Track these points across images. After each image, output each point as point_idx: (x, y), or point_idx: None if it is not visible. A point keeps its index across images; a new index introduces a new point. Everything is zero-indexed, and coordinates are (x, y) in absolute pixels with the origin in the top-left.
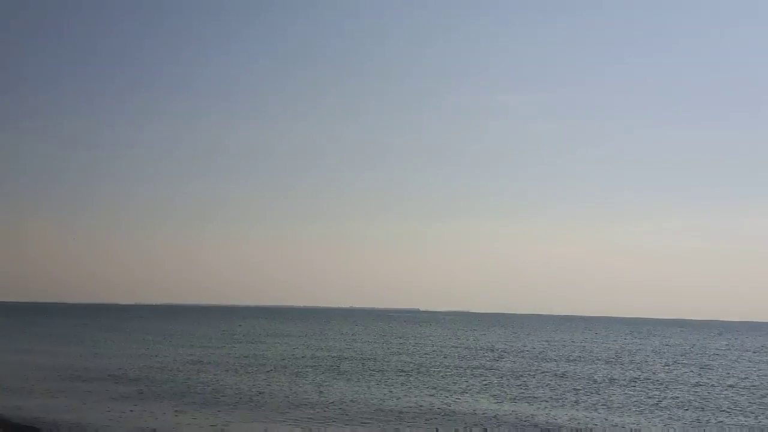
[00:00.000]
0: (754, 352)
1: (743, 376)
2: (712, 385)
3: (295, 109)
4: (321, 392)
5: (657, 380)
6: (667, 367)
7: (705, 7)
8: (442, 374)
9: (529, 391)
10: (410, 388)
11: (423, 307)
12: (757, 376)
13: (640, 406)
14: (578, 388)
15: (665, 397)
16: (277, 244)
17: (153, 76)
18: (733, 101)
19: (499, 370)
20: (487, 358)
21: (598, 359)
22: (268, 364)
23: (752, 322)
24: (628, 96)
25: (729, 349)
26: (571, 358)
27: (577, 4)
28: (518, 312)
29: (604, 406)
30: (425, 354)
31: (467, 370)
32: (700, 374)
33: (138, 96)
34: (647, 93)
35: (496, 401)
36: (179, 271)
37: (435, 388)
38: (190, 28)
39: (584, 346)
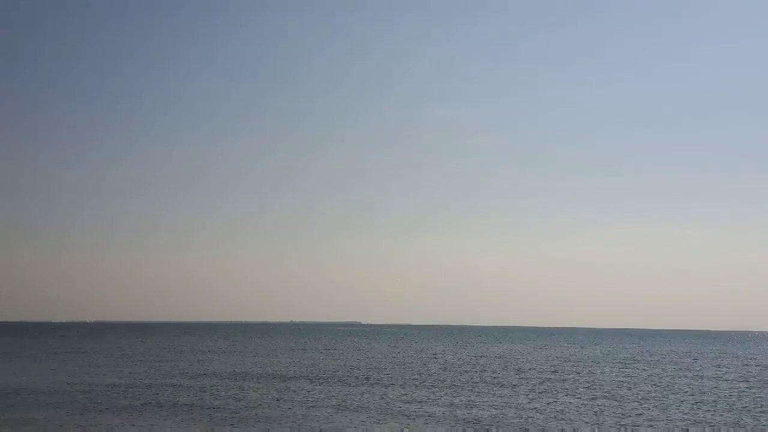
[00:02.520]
0: (694, 359)
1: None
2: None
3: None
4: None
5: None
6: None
7: (629, 19)
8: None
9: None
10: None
11: (365, 320)
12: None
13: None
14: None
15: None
16: (216, 258)
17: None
18: (668, 115)
19: (447, 380)
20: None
21: (541, 368)
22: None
23: (689, 330)
24: (564, 109)
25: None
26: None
27: (510, 19)
28: (458, 324)
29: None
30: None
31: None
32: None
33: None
34: (582, 107)
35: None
36: (118, 287)
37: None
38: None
39: (512, 356)
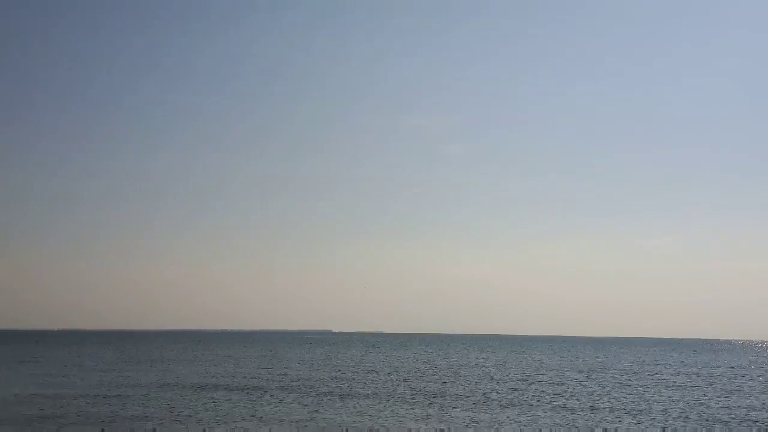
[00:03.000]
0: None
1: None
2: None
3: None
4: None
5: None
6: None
7: (608, 24)
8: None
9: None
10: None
11: (336, 328)
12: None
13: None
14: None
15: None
16: (188, 267)
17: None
18: (635, 122)
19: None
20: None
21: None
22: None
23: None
24: (540, 116)
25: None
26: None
27: (484, 25)
28: (430, 332)
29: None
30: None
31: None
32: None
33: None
34: (558, 113)
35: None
36: (93, 294)
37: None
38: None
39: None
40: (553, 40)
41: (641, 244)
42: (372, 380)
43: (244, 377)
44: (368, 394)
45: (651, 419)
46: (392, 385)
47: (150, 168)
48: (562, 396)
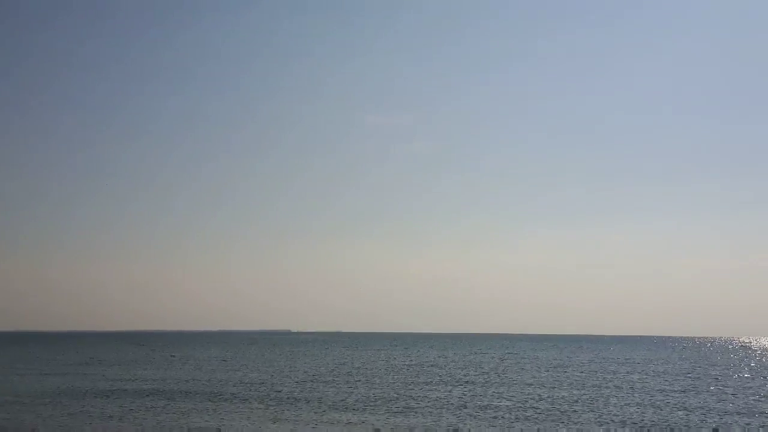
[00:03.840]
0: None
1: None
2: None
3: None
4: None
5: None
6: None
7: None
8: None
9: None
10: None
11: (295, 328)
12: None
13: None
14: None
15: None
16: (143, 266)
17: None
18: (597, 120)
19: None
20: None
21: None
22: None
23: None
24: (496, 117)
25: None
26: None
27: (443, 27)
28: (391, 331)
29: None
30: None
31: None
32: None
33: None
34: (515, 116)
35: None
36: (63, 295)
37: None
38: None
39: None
40: (513, 38)
41: (604, 243)
42: (331, 382)
43: (207, 382)
44: (328, 396)
45: (609, 413)
46: (351, 388)
47: (116, 172)
48: (522, 394)
